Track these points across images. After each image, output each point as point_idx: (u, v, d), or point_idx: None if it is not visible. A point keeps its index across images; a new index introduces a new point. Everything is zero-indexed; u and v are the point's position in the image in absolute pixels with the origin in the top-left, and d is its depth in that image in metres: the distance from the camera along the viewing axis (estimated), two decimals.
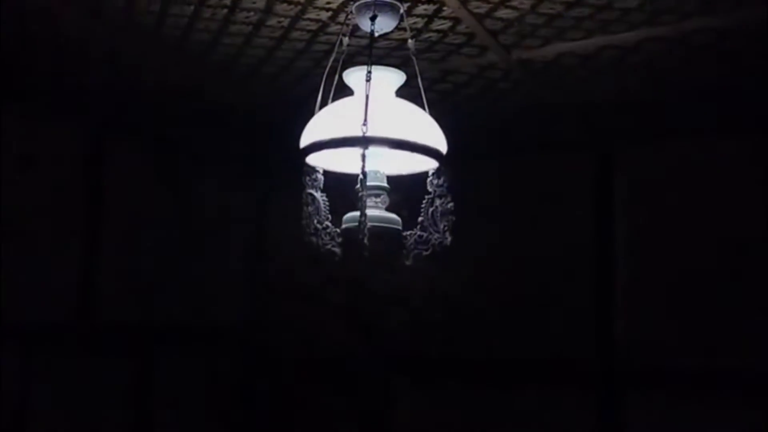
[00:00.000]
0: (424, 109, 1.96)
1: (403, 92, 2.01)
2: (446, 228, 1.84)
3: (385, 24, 2.02)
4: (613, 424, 3.33)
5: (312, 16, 2.28)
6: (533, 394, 3.54)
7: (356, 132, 1.74)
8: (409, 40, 2.09)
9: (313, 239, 1.90)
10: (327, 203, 1.92)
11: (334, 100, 1.96)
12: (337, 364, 4.01)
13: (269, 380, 4.19)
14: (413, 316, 3.86)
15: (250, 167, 4.31)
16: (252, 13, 2.28)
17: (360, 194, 1.76)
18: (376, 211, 1.86)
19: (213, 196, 4.15)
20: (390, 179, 1.96)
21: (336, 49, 2.06)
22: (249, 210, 4.40)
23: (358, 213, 1.76)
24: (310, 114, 1.92)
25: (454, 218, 1.86)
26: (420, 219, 1.88)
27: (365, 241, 1.74)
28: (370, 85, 1.80)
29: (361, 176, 1.76)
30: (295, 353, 4.15)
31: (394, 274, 3.83)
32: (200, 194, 4.08)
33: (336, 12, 2.23)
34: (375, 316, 3.95)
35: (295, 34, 2.44)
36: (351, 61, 2.18)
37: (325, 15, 2.26)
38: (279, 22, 2.34)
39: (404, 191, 2.04)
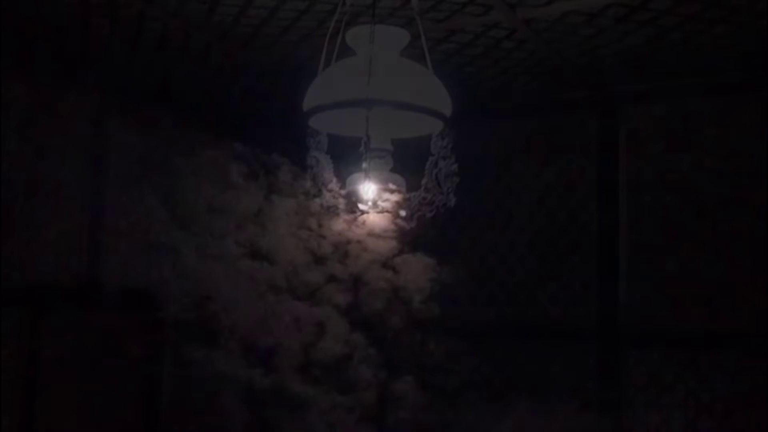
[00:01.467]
0: (428, 69, 1.95)
1: (406, 52, 1.99)
2: (450, 189, 1.85)
3: None
4: (613, 379, 3.38)
5: None
6: (538, 351, 3.59)
7: (360, 93, 1.73)
8: None
9: (318, 200, 1.91)
10: (331, 164, 1.92)
11: (336, 61, 1.95)
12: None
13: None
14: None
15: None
16: None
17: (364, 156, 1.76)
18: (380, 172, 1.87)
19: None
20: (394, 141, 1.95)
21: (339, 8, 2.04)
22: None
23: (362, 174, 1.77)
24: (312, 76, 1.91)
25: (458, 179, 1.86)
26: (424, 181, 1.88)
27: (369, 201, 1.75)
28: (373, 45, 1.78)
29: (365, 138, 1.75)
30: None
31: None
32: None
33: None
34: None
35: None
36: (354, 22, 2.16)
37: None
38: None
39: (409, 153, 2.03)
